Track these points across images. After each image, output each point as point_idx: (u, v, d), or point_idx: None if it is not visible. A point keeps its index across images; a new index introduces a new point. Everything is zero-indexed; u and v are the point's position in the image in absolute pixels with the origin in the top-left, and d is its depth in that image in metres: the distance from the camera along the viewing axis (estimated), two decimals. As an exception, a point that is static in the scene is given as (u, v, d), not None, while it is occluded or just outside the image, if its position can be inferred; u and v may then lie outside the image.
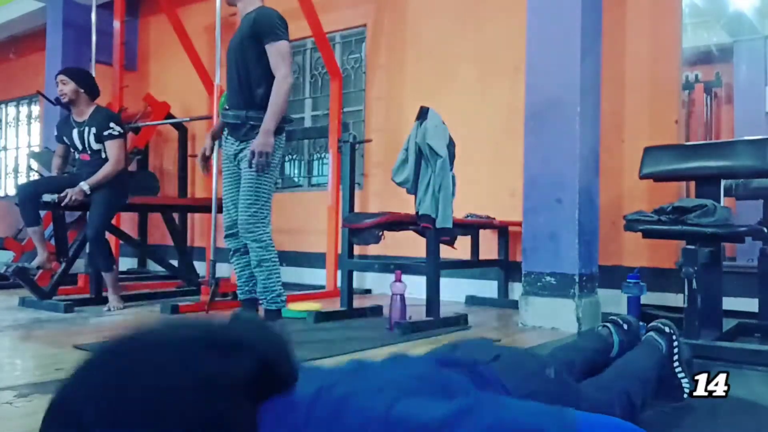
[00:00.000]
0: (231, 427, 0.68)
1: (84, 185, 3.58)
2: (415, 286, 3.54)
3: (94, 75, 4.11)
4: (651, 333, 1.77)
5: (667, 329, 1.75)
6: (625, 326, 1.86)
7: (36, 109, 7.86)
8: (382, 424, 0.74)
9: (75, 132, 3.75)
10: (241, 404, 0.70)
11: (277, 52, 2.79)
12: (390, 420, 0.74)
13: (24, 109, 8.08)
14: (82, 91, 3.72)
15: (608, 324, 1.86)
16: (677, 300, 3.12)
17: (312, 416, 0.77)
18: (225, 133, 2.99)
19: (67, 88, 3.71)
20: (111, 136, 3.70)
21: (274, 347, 0.75)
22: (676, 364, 1.71)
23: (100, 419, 0.64)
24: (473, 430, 0.73)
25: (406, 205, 3.56)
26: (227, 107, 2.96)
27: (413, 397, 0.79)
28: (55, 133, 3.94)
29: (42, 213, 3.86)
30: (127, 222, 5.33)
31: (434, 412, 0.75)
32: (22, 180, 7.74)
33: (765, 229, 2.72)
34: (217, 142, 3.23)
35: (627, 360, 1.69)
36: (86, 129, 3.72)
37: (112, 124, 3.71)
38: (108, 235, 3.93)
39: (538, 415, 0.77)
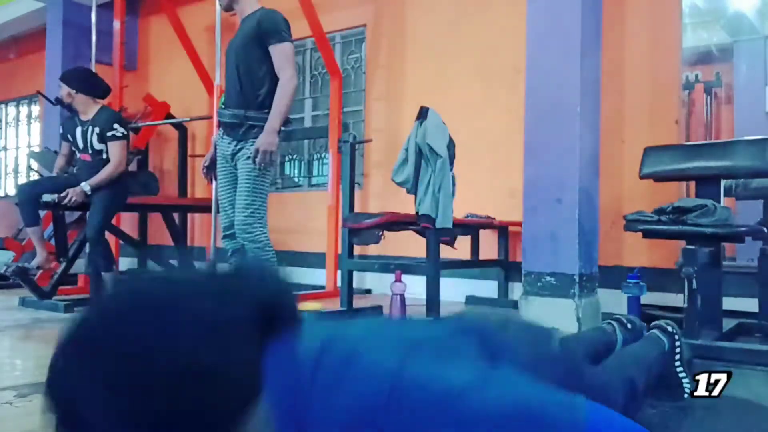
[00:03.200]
0: (235, 373, 0.68)
1: (85, 185, 3.58)
2: (415, 286, 3.54)
3: (94, 75, 4.10)
4: (654, 330, 1.78)
5: (669, 328, 1.75)
6: (629, 326, 1.86)
7: (36, 109, 7.86)
8: (393, 382, 0.72)
9: (78, 130, 3.75)
10: (243, 350, 0.69)
11: (281, 53, 2.80)
12: (401, 378, 0.72)
13: (24, 109, 8.08)
14: (79, 93, 3.71)
15: (613, 322, 1.86)
16: (677, 300, 3.12)
17: (319, 367, 0.75)
18: (220, 133, 2.97)
19: (63, 92, 3.73)
20: (114, 138, 3.70)
21: (274, 291, 0.75)
22: (677, 363, 1.71)
23: (100, 375, 0.64)
24: (482, 404, 0.71)
25: (406, 205, 3.56)
26: (224, 106, 2.96)
27: (426, 358, 0.77)
28: (60, 131, 3.94)
29: (42, 213, 3.86)
30: (127, 222, 5.33)
31: (446, 379, 0.73)
32: (22, 180, 7.74)
33: (765, 229, 2.72)
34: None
35: (630, 349, 1.71)
36: (89, 128, 3.72)
37: (115, 125, 3.71)
38: (108, 235, 3.93)
39: (549, 401, 0.74)
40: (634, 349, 1.71)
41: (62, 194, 3.54)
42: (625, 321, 1.88)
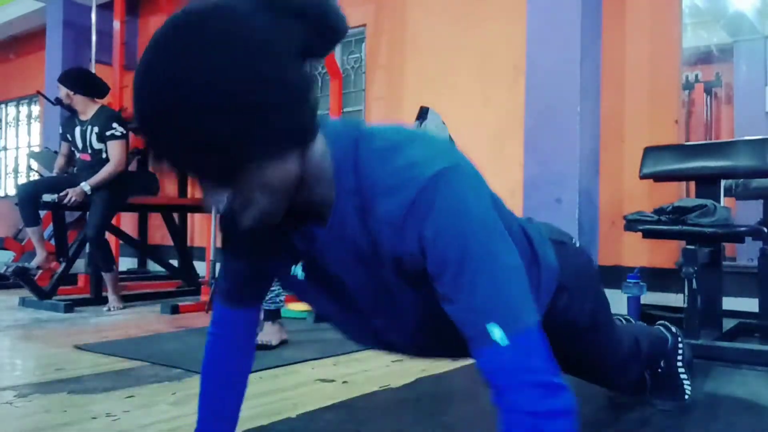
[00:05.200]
0: (291, 84, 0.74)
1: (85, 185, 3.58)
2: (415, 286, 3.53)
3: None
4: (659, 327, 1.78)
5: (673, 329, 1.76)
6: None
7: (36, 109, 7.86)
8: (430, 175, 0.80)
9: (77, 130, 3.75)
10: (298, 65, 0.75)
11: None
12: (445, 173, 0.81)
13: (24, 109, 8.08)
14: (76, 93, 3.71)
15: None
16: (677, 300, 3.12)
17: (372, 143, 0.86)
18: None
19: (61, 93, 3.73)
20: (113, 137, 3.70)
21: (325, 7, 0.80)
22: (679, 364, 1.71)
23: (177, 89, 0.69)
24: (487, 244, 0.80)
25: (406, 205, 3.56)
26: None
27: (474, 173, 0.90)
28: (60, 131, 3.94)
29: (42, 213, 3.86)
30: (127, 222, 5.33)
31: (481, 208, 0.83)
32: (22, 180, 7.74)
33: (765, 229, 2.72)
34: None
35: (637, 323, 1.76)
36: (89, 128, 3.72)
37: (115, 125, 3.71)
38: (108, 235, 3.93)
39: (522, 292, 0.82)
40: (641, 325, 1.74)
41: (62, 194, 3.53)
42: (626, 321, 1.88)
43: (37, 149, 7.07)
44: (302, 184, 0.81)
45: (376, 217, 0.84)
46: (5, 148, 8.36)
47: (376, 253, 0.87)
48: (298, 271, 0.97)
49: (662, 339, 1.70)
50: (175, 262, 4.63)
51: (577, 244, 1.32)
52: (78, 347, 2.60)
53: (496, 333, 0.76)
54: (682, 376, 1.72)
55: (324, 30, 0.79)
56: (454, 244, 0.79)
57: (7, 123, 8.34)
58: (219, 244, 1.08)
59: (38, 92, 5.43)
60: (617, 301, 3.28)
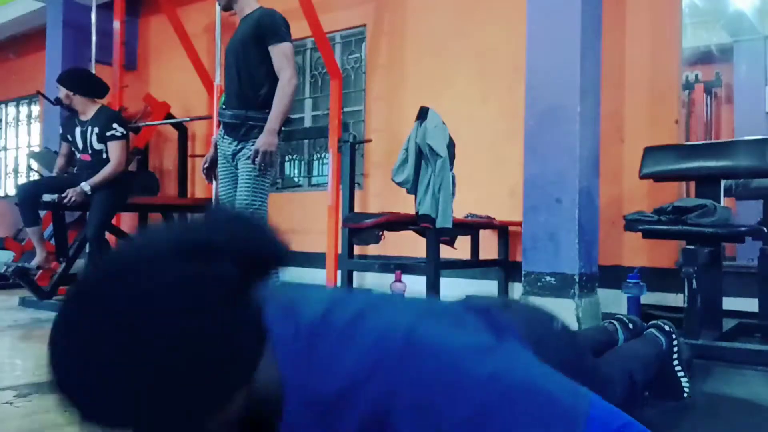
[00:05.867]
0: (237, 331, 0.66)
1: (85, 185, 3.58)
2: (415, 286, 3.53)
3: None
4: (651, 329, 1.78)
5: (667, 328, 1.75)
6: (631, 325, 1.87)
7: (36, 109, 7.86)
8: (402, 341, 0.71)
9: (78, 131, 3.75)
10: (239, 305, 0.67)
11: (281, 53, 2.80)
12: (410, 338, 0.71)
13: (24, 109, 8.08)
14: (75, 94, 3.71)
15: (614, 321, 1.87)
16: (677, 300, 3.12)
17: (325, 327, 0.75)
18: (221, 133, 2.97)
19: (61, 94, 3.73)
20: (113, 137, 3.70)
21: (252, 238, 0.72)
22: (675, 363, 1.71)
23: (88, 348, 0.63)
24: (491, 369, 0.71)
25: (406, 205, 3.56)
26: (224, 107, 2.96)
27: (437, 323, 0.77)
28: (60, 131, 3.94)
29: (42, 213, 3.86)
30: (127, 222, 5.33)
31: (457, 341, 0.73)
32: (22, 180, 7.74)
33: (765, 229, 2.72)
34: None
35: (629, 345, 1.72)
36: (89, 128, 3.72)
37: (115, 125, 3.71)
38: (108, 235, 3.93)
39: (555, 383, 0.74)
40: (633, 346, 1.71)
41: (62, 194, 3.53)
42: (627, 321, 1.88)
43: (37, 149, 7.07)
44: (250, 412, 0.72)
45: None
46: (5, 148, 8.36)
47: None
48: None
49: (656, 352, 1.69)
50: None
51: (558, 326, 1.19)
52: (78, 347, 2.60)
53: None
54: (680, 374, 1.72)
55: (262, 263, 0.72)
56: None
57: (7, 123, 8.34)
58: None
59: (38, 92, 5.43)
60: (617, 301, 3.29)
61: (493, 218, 3.91)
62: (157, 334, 0.62)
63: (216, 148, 3.03)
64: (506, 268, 4.06)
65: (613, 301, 3.34)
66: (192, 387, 0.64)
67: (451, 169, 3.18)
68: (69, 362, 0.64)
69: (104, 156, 3.72)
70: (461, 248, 3.74)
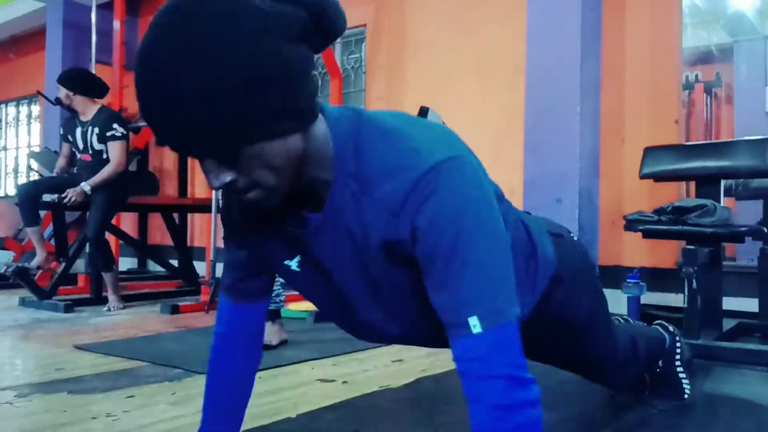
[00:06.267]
0: (293, 64, 0.76)
1: (85, 185, 3.58)
2: (415, 286, 3.53)
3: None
4: (656, 326, 1.78)
5: (671, 328, 1.76)
6: None
7: (36, 109, 7.86)
8: (432, 164, 0.81)
9: (78, 131, 3.75)
10: (295, 46, 0.77)
11: None
12: (440, 167, 0.81)
13: (24, 109, 8.08)
14: (76, 94, 3.71)
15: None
16: (677, 300, 3.12)
17: (373, 127, 0.86)
18: None
19: (61, 94, 3.73)
20: (114, 137, 3.70)
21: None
22: (677, 363, 1.71)
23: (180, 68, 0.72)
24: (492, 226, 0.83)
25: (406, 205, 3.56)
26: None
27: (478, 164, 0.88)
28: (61, 132, 3.94)
29: (42, 213, 3.86)
30: (127, 222, 5.33)
31: (482, 189, 0.84)
32: (22, 180, 7.74)
33: (765, 229, 2.72)
34: None
35: (634, 323, 1.77)
36: (89, 129, 3.72)
37: (115, 125, 3.71)
38: (108, 235, 3.93)
39: (510, 277, 0.84)
40: (638, 324, 1.74)
41: (62, 195, 3.53)
42: (625, 321, 1.88)
43: (37, 149, 7.07)
44: (303, 166, 0.82)
45: (373, 200, 0.84)
46: (5, 148, 8.36)
47: (366, 239, 0.87)
48: (293, 263, 0.98)
49: (660, 339, 1.71)
50: (175, 262, 4.63)
51: (575, 238, 1.33)
52: (78, 347, 2.60)
53: (475, 325, 0.78)
54: (681, 375, 1.72)
55: (321, 22, 0.80)
56: (446, 236, 0.79)
57: (7, 123, 8.34)
58: (220, 242, 1.09)
59: (38, 92, 5.43)
60: (617, 301, 3.28)
61: (493, 218, 3.91)
62: (230, 44, 0.71)
63: None
64: (506, 268, 4.05)
65: (613, 301, 3.32)
66: (256, 99, 0.73)
67: (451, 169, 3.17)
68: (158, 66, 0.76)
69: (104, 156, 3.72)
70: (461, 248, 3.73)
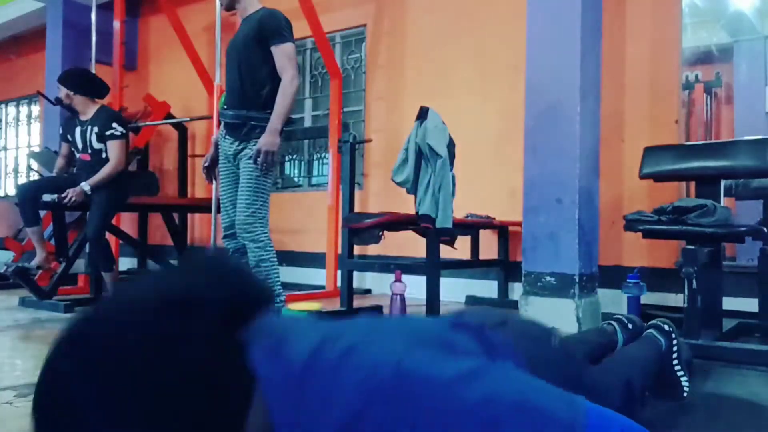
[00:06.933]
0: (223, 377, 0.69)
1: (85, 186, 3.58)
2: (415, 286, 3.53)
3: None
4: (651, 330, 1.78)
5: (666, 327, 1.75)
6: (630, 326, 1.86)
7: (36, 109, 7.86)
8: (391, 376, 0.71)
9: (78, 130, 3.76)
10: (228, 351, 0.69)
11: (283, 53, 2.80)
12: (400, 372, 0.71)
13: (24, 109, 8.08)
14: (76, 94, 3.71)
15: (613, 322, 1.86)
16: (677, 300, 3.12)
17: (314, 366, 0.75)
18: (222, 132, 2.97)
19: (61, 94, 3.74)
20: (113, 137, 3.70)
21: (234, 285, 0.74)
22: (675, 362, 1.71)
23: (96, 375, 0.64)
24: (482, 394, 0.70)
25: (406, 205, 3.56)
26: (226, 107, 2.96)
27: (425, 352, 0.76)
28: (60, 131, 3.94)
29: (42, 213, 3.86)
30: (127, 222, 5.33)
31: (446, 370, 0.73)
32: (22, 180, 7.74)
33: (765, 229, 2.72)
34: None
35: (627, 350, 1.71)
36: (89, 128, 3.72)
37: (114, 125, 3.71)
38: (108, 235, 3.93)
39: (549, 396, 0.73)
40: (631, 350, 1.70)
41: (62, 195, 3.54)
42: (626, 321, 1.87)
43: (37, 149, 7.07)
44: None
45: None
46: (5, 148, 8.36)
47: None
48: None
49: (655, 349, 1.69)
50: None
51: (555, 342, 1.19)
52: (78, 347, 2.59)
53: None
54: (679, 374, 1.72)
55: (245, 307, 0.74)
56: None
57: (7, 123, 8.34)
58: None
59: (38, 92, 5.43)
60: (617, 301, 3.29)
61: (493, 218, 3.91)
62: (141, 390, 0.64)
63: (216, 148, 3.02)
64: (506, 268, 4.06)
65: (613, 301, 3.34)
66: None
67: (451, 169, 3.18)
68: (54, 415, 0.65)
69: (104, 155, 3.72)
70: (461, 248, 3.74)
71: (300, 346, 0.77)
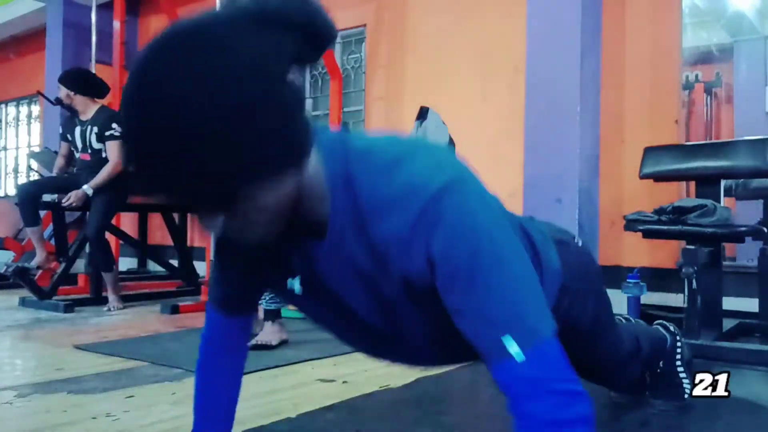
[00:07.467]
0: (297, 106, 0.74)
1: (87, 188, 3.58)
2: (415, 286, 3.53)
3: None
4: (657, 326, 1.78)
5: (671, 328, 1.76)
6: None
7: (36, 109, 7.86)
8: (433, 192, 0.78)
9: (77, 130, 3.76)
10: (288, 84, 0.73)
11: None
12: (441, 193, 0.78)
13: (24, 109, 8.08)
14: (76, 94, 3.71)
15: None
16: (677, 300, 3.12)
17: (365, 163, 0.83)
18: None
19: (61, 93, 3.74)
20: (112, 137, 3.70)
21: (311, 14, 0.78)
22: (678, 363, 1.71)
23: (175, 101, 0.67)
24: (503, 250, 0.80)
25: (406, 205, 3.55)
26: None
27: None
28: (60, 131, 3.94)
29: (42, 213, 3.86)
30: (127, 222, 5.33)
31: (488, 214, 0.82)
32: (22, 180, 7.74)
33: (765, 229, 2.72)
34: None
35: (635, 322, 1.77)
36: (89, 128, 3.73)
37: (114, 125, 3.71)
38: (108, 235, 3.93)
39: (536, 300, 0.80)
40: (641, 325, 1.74)
41: (64, 198, 3.54)
42: (626, 320, 1.88)
43: (37, 149, 7.07)
44: (298, 204, 0.80)
45: (380, 235, 0.82)
46: (5, 148, 8.36)
47: (383, 271, 0.85)
48: (295, 285, 0.96)
49: (661, 339, 1.71)
50: (175, 262, 4.63)
51: (580, 243, 1.31)
52: (78, 347, 2.60)
53: (512, 346, 0.76)
54: (681, 375, 1.72)
55: (312, 38, 0.77)
56: (464, 258, 0.77)
57: (7, 123, 8.34)
58: (213, 255, 1.06)
59: (38, 92, 5.42)
60: (617, 301, 3.27)
61: (493, 218, 3.91)
62: (223, 91, 0.67)
63: None
64: (506, 268, 4.05)
65: (613, 301, 3.31)
66: (251, 149, 0.69)
67: (451, 169, 3.18)
68: (147, 111, 0.69)
69: (103, 155, 3.72)
70: (461, 248, 3.73)
71: (360, 141, 0.86)
